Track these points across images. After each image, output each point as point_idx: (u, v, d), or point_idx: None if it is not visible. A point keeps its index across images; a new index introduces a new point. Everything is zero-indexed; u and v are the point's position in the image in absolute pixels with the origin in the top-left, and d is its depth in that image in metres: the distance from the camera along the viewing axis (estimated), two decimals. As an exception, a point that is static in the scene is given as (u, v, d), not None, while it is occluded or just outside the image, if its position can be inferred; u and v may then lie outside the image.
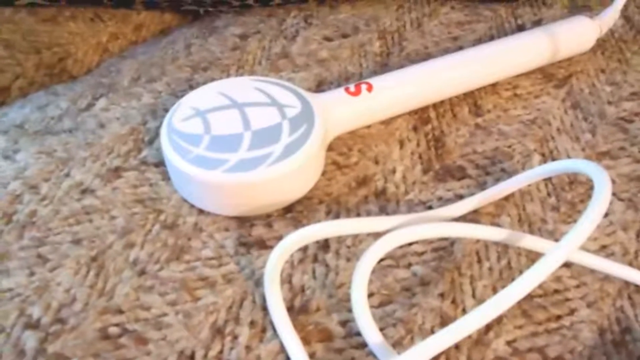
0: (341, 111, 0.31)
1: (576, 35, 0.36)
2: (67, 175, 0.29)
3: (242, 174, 0.26)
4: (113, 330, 0.23)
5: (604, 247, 0.27)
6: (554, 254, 0.22)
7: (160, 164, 0.30)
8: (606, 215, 0.28)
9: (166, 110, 0.34)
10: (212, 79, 0.36)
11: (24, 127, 0.33)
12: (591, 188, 0.30)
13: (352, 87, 0.31)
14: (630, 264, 0.27)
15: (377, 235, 0.27)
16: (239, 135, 0.28)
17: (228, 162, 0.27)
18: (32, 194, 0.28)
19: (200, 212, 0.28)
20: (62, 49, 0.41)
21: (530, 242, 0.25)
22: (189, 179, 0.27)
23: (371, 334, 0.23)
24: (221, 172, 0.26)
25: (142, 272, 0.25)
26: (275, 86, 0.31)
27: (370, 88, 0.31)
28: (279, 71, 0.36)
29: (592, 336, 0.24)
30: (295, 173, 0.27)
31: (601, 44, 0.38)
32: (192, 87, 0.35)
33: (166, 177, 0.30)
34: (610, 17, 0.37)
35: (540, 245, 0.26)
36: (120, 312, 0.24)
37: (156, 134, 0.32)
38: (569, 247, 0.22)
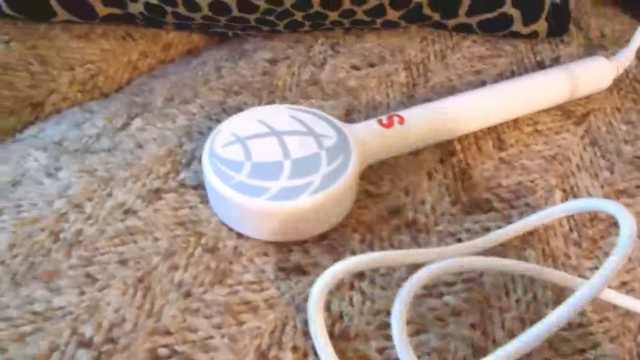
0: (374, 142, 0.32)
1: (594, 74, 0.38)
2: (110, 195, 0.30)
3: (284, 202, 0.27)
4: (162, 351, 0.24)
5: (624, 283, 0.29)
6: (585, 292, 0.23)
7: (198, 186, 0.31)
8: (625, 252, 0.30)
9: (201, 133, 0.35)
10: (245, 103, 0.37)
11: (62, 144, 0.34)
12: (611, 225, 0.31)
13: (384, 119, 0.32)
14: (649, 300, 0.28)
15: (410, 266, 0.28)
16: (279, 163, 0.29)
17: (270, 190, 0.28)
18: (77, 213, 0.29)
19: (239, 235, 0.29)
20: (94, 65, 0.42)
21: (559, 277, 0.27)
22: (231, 204, 0.28)
23: (410, 362, 0.24)
24: (264, 199, 0.27)
25: (187, 295, 0.26)
26: (310, 115, 0.32)
27: (401, 120, 0.33)
28: (309, 98, 0.37)
29: (615, 369, 0.26)
30: (333, 202, 0.29)
31: (617, 83, 0.40)
32: (225, 111, 0.36)
33: (205, 200, 0.31)
34: (627, 57, 0.39)
35: (569, 281, 0.27)
36: (169, 333, 0.25)
37: (192, 157, 0.33)
38: (599, 286, 0.23)
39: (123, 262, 0.27)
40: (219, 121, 0.35)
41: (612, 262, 0.24)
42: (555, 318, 0.23)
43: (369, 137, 0.32)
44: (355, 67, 0.40)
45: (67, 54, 0.41)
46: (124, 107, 0.37)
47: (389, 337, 0.25)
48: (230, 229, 0.29)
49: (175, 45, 0.46)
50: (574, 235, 0.31)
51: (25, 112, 0.39)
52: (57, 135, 0.35)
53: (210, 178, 0.29)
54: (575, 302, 0.23)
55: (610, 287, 0.28)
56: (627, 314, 0.27)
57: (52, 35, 0.41)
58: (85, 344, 0.24)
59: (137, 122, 0.35)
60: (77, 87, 0.41)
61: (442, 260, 0.26)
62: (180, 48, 0.46)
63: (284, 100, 0.37)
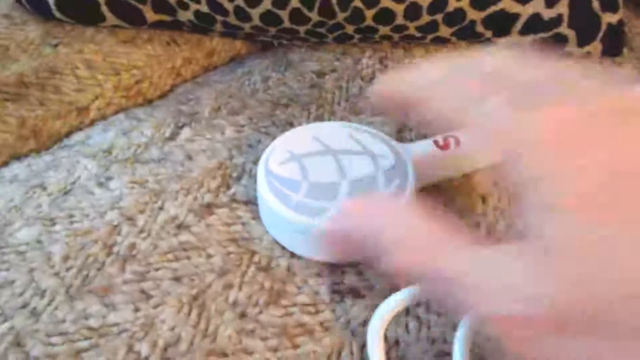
0: (430, 164, 0.31)
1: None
2: (161, 208, 0.30)
3: (343, 224, 0.27)
4: (219, 373, 0.24)
5: None
6: None
7: (249, 202, 0.31)
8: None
9: (250, 146, 0.34)
10: (293, 116, 0.37)
11: (111, 152, 0.34)
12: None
13: (440, 140, 0.32)
14: None
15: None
16: (336, 183, 0.29)
17: (328, 211, 0.27)
18: (130, 226, 0.29)
19: (292, 255, 0.29)
20: (139, 71, 0.41)
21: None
22: (289, 224, 0.28)
23: (471, 395, 0.23)
24: (323, 220, 0.27)
25: (242, 315, 0.26)
26: (366, 134, 0.31)
27: (458, 142, 0.32)
28: (358, 114, 0.37)
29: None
30: (389, 225, 0.28)
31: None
32: (274, 124, 0.36)
33: (256, 216, 0.30)
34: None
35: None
36: (225, 355, 0.25)
37: (243, 170, 0.33)
38: None
39: (177, 279, 0.27)
40: (268, 134, 0.35)
41: None
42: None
43: (425, 159, 0.31)
44: (404, 83, 0.39)
45: (112, 58, 0.41)
46: (170, 115, 0.37)
47: (449, 368, 0.25)
48: (283, 248, 0.29)
49: (219, 52, 0.45)
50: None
51: (70, 116, 0.39)
52: (105, 143, 0.34)
53: (267, 197, 0.28)
54: None
55: None
56: None
57: (98, 39, 0.41)
58: (142, 363, 0.24)
59: (185, 132, 0.35)
60: (121, 92, 0.40)
61: (505, 291, 0.25)
62: (224, 55, 0.46)
63: (332, 114, 0.37)
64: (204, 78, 0.43)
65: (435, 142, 0.32)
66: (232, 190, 0.32)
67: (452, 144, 0.32)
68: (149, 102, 0.41)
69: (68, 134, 0.38)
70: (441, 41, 0.41)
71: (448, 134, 0.32)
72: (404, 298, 0.25)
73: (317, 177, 0.29)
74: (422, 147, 0.32)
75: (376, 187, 0.29)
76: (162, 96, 0.42)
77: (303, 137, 0.31)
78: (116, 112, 0.40)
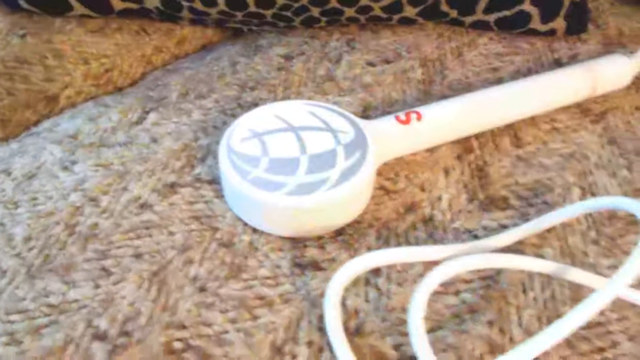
0: (392, 138, 0.32)
1: (613, 72, 0.37)
2: (125, 189, 0.30)
3: (302, 197, 0.27)
4: (177, 345, 0.24)
5: (643, 282, 0.28)
6: (606, 290, 0.23)
7: (213, 181, 0.31)
8: (645, 251, 0.29)
9: (216, 128, 0.35)
10: (260, 99, 0.37)
11: (77, 138, 0.34)
12: (629, 223, 0.31)
13: (402, 116, 0.32)
14: (669, 301, 0.28)
15: (427, 262, 0.28)
16: (296, 158, 0.29)
17: (287, 185, 0.28)
18: (92, 207, 0.29)
19: (254, 230, 0.29)
20: (109, 60, 0.42)
21: (578, 275, 0.26)
22: (248, 199, 0.28)
23: (427, 359, 0.24)
24: (281, 194, 0.27)
25: (202, 289, 0.26)
26: (328, 111, 0.32)
27: (419, 117, 0.32)
28: (325, 94, 0.37)
29: (635, 370, 0.25)
30: (349, 198, 0.28)
31: (636, 82, 0.39)
32: (240, 106, 0.36)
33: (220, 195, 0.31)
34: (646, 55, 0.38)
35: (586, 278, 0.27)
36: (184, 327, 0.25)
37: (208, 151, 0.33)
38: (620, 284, 0.23)
39: (138, 256, 0.27)
40: (234, 116, 0.35)
41: (635, 260, 0.23)
42: (576, 316, 0.22)
43: (386, 134, 0.32)
44: (371, 64, 0.40)
45: (81, 48, 0.41)
46: (138, 101, 0.37)
47: (405, 334, 0.25)
48: (246, 224, 0.29)
49: (190, 40, 0.46)
50: (592, 233, 0.30)
51: (40, 105, 0.39)
52: (72, 129, 0.35)
53: (227, 173, 0.29)
54: (596, 300, 0.23)
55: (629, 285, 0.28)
56: (647, 314, 0.27)
57: (67, 29, 0.42)
58: (100, 336, 0.24)
59: (152, 117, 0.35)
60: (91, 80, 0.41)
61: (460, 257, 0.26)
62: (195, 43, 0.46)
63: (299, 95, 0.37)
64: (174, 65, 0.43)
65: (397, 117, 0.32)
66: (197, 171, 0.32)
67: (413, 118, 0.32)
68: (120, 90, 0.42)
69: (37, 123, 0.38)
70: (408, 22, 0.42)
71: (410, 110, 0.33)
72: (360, 265, 0.25)
73: (277, 153, 0.29)
74: (384, 122, 0.32)
75: (335, 161, 0.29)
76: (133, 84, 0.42)
77: (265, 115, 0.31)
78: (86, 101, 0.40)
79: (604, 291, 0.23)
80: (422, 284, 0.25)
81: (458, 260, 0.25)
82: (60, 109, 0.39)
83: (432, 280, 0.25)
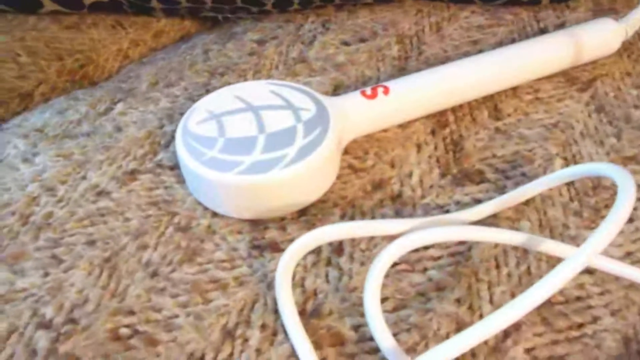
0: (357, 114, 0.30)
1: (601, 38, 0.35)
2: (84, 177, 0.30)
3: (255, 176, 0.26)
4: (124, 331, 0.23)
5: (629, 253, 0.26)
6: (574, 259, 0.21)
7: (175, 167, 0.30)
8: (632, 221, 0.27)
9: (182, 114, 0.34)
10: (229, 84, 0.36)
11: (43, 131, 0.33)
12: (616, 193, 0.29)
13: (368, 91, 0.31)
14: (657, 272, 0.26)
15: (392, 239, 0.26)
16: (253, 138, 0.28)
17: (242, 165, 0.26)
18: (48, 196, 0.29)
19: (214, 214, 0.28)
20: (83, 55, 0.41)
21: (551, 246, 0.25)
22: (202, 181, 0.27)
23: (384, 338, 0.22)
24: (234, 174, 0.26)
25: (154, 274, 0.25)
26: (291, 89, 0.31)
27: (387, 91, 0.31)
28: (296, 76, 0.36)
29: (616, 345, 0.23)
30: (308, 175, 0.27)
31: (627, 47, 0.37)
32: (209, 92, 0.35)
33: (181, 180, 0.30)
34: (637, 19, 0.36)
35: (561, 250, 0.25)
36: (132, 313, 0.24)
37: (172, 138, 0.32)
38: (590, 252, 0.21)
39: (91, 243, 0.26)
40: (201, 102, 0.34)
41: (607, 226, 0.22)
42: (541, 288, 0.20)
43: (352, 110, 0.30)
44: (346, 43, 0.38)
45: (55, 44, 0.41)
46: (108, 93, 0.36)
47: (365, 314, 0.24)
48: (206, 209, 0.28)
49: (167, 33, 0.45)
50: (575, 204, 0.28)
51: (13, 102, 0.39)
52: (39, 123, 0.34)
53: (182, 155, 0.28)
54: (565, 269, 0.21)
55: (613, 257, 0.26)
56: (632, 286, 0.25)
57: (41, 27, 0.41)
58: (45, 325, 0.23)
59: (119, 107, 0.35)
60: (66, 77, 0.40)
61: (421, 230, 0.24)
62: (172, 35, 0.45)
63: (269, 78, 0.36)
64: (150, 57, 0.42)
65: (363, 92, 0.31)
66: (159, 157, 0.31)
67: (380, 93, 0.31)
68: (96, 84, 0.41)
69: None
70: (385, 0, 0.40)
71: (378, 84, 0.31)
72: (311, 240, 0.24)
73: (233, 133, 0.28)
74: (348, 98, 0.31)
75: (294, 138, 0.28)
76: (109, 78, 0.42)
77: (225, 97, 0.30)
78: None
79: (573, 259, 0.21)
80: (378, 257, 0.23)
81: (418, 233, 0.24)
82: (35, 105, 0.39)
83: (390, 254, 0.23)
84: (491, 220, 0.27)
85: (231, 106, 0.30)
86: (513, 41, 0.38)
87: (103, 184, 0.29)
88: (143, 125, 0.33)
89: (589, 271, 0.25)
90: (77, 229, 0.27)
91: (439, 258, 0.26)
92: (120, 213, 0.28)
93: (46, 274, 0.25)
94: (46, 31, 0.41)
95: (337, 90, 0.35)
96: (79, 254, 0.26)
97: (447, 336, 0.23)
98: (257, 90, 0.31)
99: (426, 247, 0.26)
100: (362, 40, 0.38)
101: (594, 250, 0.21)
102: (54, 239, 0.27)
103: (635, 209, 0.28)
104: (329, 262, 0.26)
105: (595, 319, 0.24)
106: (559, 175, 0.27)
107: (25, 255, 0.26)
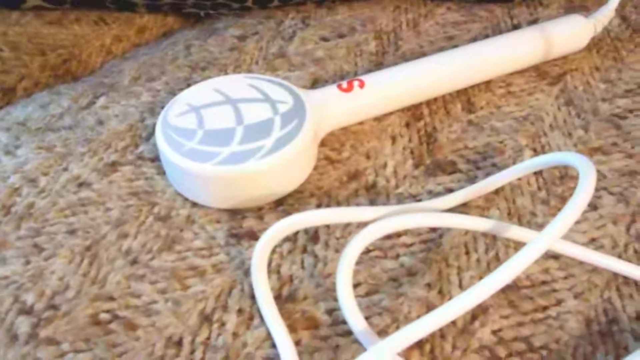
0: (333, 107, 0.31)
1: (570, 33, 0.36)
2: (65, 169, 0.30)
3: (233, 166, 0.27)
4: (104, 316, 0.24)
5: (593, 239, 0.27)
6: (536, 243, 0.22)
7: (156, 158, 0.31)
8: (596, 208, 0.29)
9: (163, 108, 0.34)
10: (210, 77, 0.37)
11: (26, 124, 0.34)
12: (582, 182, 0.30)
13: (344, 84, 0.32)
14: (620, 257, 0.27)
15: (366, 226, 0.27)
16: (232, 129, 0.28)
17: (220, 155, 0.27)
18: (30, 187, 0.29)
19: (194, 205, 0.29)
20: (66, 51, 0.42)
21: (517, 232, 0.26)
22: (181, 171, 0.27)
23: (356, 321, 0.23)
24: (212, 164, 0.27)
25: (134, 262, 0.26)
26: (269, 83, 0.31)
27: (362, 84, 0.32)
28: (275, 70, 0.37)
29: (579, 326, 0.24)
30: (285, 166, 0.28)
31: (597, 43, 0.38)
32: (190, 86, 0.36)
33: (161, 172, 0.30)
34: (605, 16, 0.37)
35: (527, 236, 0.26)
36: (112, 299, 0.25)
37: (153, 131, 0.33)
38: (552, 235, 0.22)
39: (72, 232, 0.27)
40: (182, 96, 0.35)
41: (568, 211, 0.23)
42: (504, 271, 0.21)
43: (328, 102, 0.31)
44: (324, 39, 0.39)
45: (38, 39, 0.41)
46: (91, 87, 0.37)
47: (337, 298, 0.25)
48: (186, 199, 0.29)
49: (150, 29, 0.46)
50: (542, 193, 0.29)
51: (-4, 97, 0.39)
52: (21, 116, 0.35)
53: (162, 146, 0.28)
54: (527, 253, 0.22)
55: (577, 243, 0.27)
56: (595, 270, 0.26)
57: (23, 22, 0.42)
58: (26, 311, 0.24)
59: (101, 101, 0.35)
60: (49, 72, 0.41)
61: (391, 216, 0.25)
62: (155, 31, 0.46)
63: (249, 73, 0.37)
64: (133, 53, 0.43)
65: (339, 86, 0.32)
66: (140, 149, 0.32)
67: (355, 86, 0.32)
68: (78, 79, 0.42)
69: (-6, 115, 0.38)
70: (363, -4, 0.41)
71: (354, 78, 0.32)
72: (286, 226, 0.25)
73: (212, 125, 0.29)
74: (325, 91, 0.32)
75: (271, 130, 0.28)
76: (92, 73, 0.42)
77: (204, 90, 0.31)
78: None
79: (535, 243, 0.22)
80: (351, 243, 0.24)
81: (389, 219, 0.25)
82: (17, 100, 0.40)
83: (362, 240, 0.24)
84: (462, 209, 0.28)
85: (210, 99, 0.30)
86: (487, 37, 0.39)
87: (84, 175, 0.30)
88: (125, 119, 0.34)
89: (554, 256, 0.26)
90: (59, 218, 0.28)
91: (411, 245, 0.27)
92: (101, 203, 0.28)
93: (27, 262, 0.26)
94: (29, 26, 0.42)
95: (315, 84, 0.36)
96: (60, 243, 0.27)
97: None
98: (236, 83, 0.31)
99: (399, 235, 0.27)
100: (341, 36, 0.39)
101: (554, 235, 0.22)
102: (35, 229, 0.27)
103: (599, 197, 0.29)
104: (304, 250, 0.27)
105: (559, 302, 0.25)
106: (526, 165, 0.28)
107: (7, 244, 0.26)
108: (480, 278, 0.26)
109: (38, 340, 0.23)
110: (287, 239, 0.27)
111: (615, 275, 0.26)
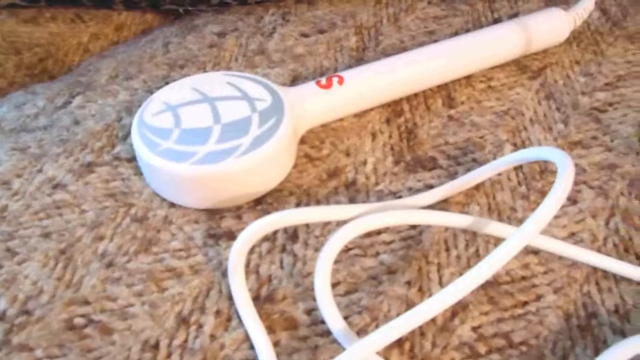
0: (312, 104, 0.31)
1: (550, 27, 0.36)
2: (40, 171, 0.30)
3: (210, 165, 0.26)
4: (78, 321, 0.23)
5: (572, 234, 0.27)
6: (514, 239, 0.22)
7: (133, 159, 0.30)
8: (575, 202, 0.28)
9: (140, 107, 0.34)
10: (188, 75, 0.36)
11: (0, 125, 0.33)
12: (562, 177, 0.30)
13: (323, 80, 0.31)
14: (599, 251, 0.27)
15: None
16: (208, 128, 0.28)
17: (196, 155, 0.27)
18: (3, 190, 0.29)
19: (171, 205, 0.28)
20: (42, 49, 0.41)
21: (497, 228, 0.26)
22: (157, 171, 0.27)
23: (335, 321, 0.23)
24: (189, 164, 0.26)
25: (110, 264, 0.26)
26: (248, 80, 0.31)
27: (341, 81, 0.31)
28: (254, 67, 0.36)
29: (558, 321, 0.24)
30: (263, 165, 0.27)
31: (577, 36, 0.38)
32: (167, 84, 0.35)
33: (138, 172, 0.30)
34: (585, 9, 0.37)
35: (506, 231, 0.26)
36: (87, 303, 0.24)
37: (130, 130, 0.32)
38: (530, 231, 0.22)
39: (46, 235, 0.27)
40: (159, 94, 0.35)
41: (546, 206, 0.23)
42: (482, 267, 0.21)
43: (307, 99, 0.31)
44: (304, 35, 0.39)
45: (13, 38, 0.40)
46: (67, 86, 0.36)
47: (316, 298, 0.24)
48: (163, 200, 0.29)
49: (128, 26, 0.45)
50: (522, 188, 0.29)
51: (-30, 98, 0.38)
52: (-4, 117, 0.34)
53: (138, 146, 0.28)
54: (506, 248, 0.22)
55: (557, 237, 0.27)
56: (574, 264, 0.26)
57: (-3, 20, 0.41)
58: (-1, 316, 0.24)
59: (77, 100, 0.35)
60: (24, 71, 0.40)
61: (370, 214, 0.25)
62: (134, 28, 0.45)
63: (228, 70, 0.36)
64: (110, 51, 0.42)
65: (318, 82, 0.31)
66: (117, 149, 0.31)
67: (335, 82, 0.31)
68: (55, 78, 0.41)
69: (-32, 116, 0.37)
70: (342, -9, 0.41)
71: (333, 74, 0.32)
72: (263, 225, 0.24)
73: (189, 124, 0.28)
74: (304, 88, 0.31)
75: (249, 128, 0.28)
76: (69, 72, 0.41)
77: (181, 89, 0.31)
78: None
79: (514, 238, 0.22)
80: (329, 241, 0.24)
81: (368, 217, 0.24)
82: (-8, 100, 0.39)
83: (340, 238, 0.24)
84: (442, 205, 0.28)
85: (187, 97, 0.30)
86: (468, 31, 0.39)
87: (59, 176, 0.29)
88: (101, 118, 0.33)
89: (534, 251, 0.26)
90: (32, 221, 0.27)
91: (390, 242, 0.27)
92: (77, 205, 0.28)
93: (0, 267, 0.25)
94: (4, 25, 0.41)
95: (295, 81, 0.35)
96: (33, 247, 0.26)
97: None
98: (213, 81, 0.31)
99: (378, 232, 0.27)
100: (321, 32, 0.39)
101: (533, 230, 0.22)
102: (8, 232, 0.27)
103: (578, 191, 0.29)
104: (283, 249, 0.26)
105: (538, 297, 0.25)
106: (505, 161, 0.28)
107: (-20, 248, 0.26)
108: (461, 274, 0.26)
109: (11, 347, 0.23)
110: (266, 238, 0.27)
111: (595, 269, 0.26)
